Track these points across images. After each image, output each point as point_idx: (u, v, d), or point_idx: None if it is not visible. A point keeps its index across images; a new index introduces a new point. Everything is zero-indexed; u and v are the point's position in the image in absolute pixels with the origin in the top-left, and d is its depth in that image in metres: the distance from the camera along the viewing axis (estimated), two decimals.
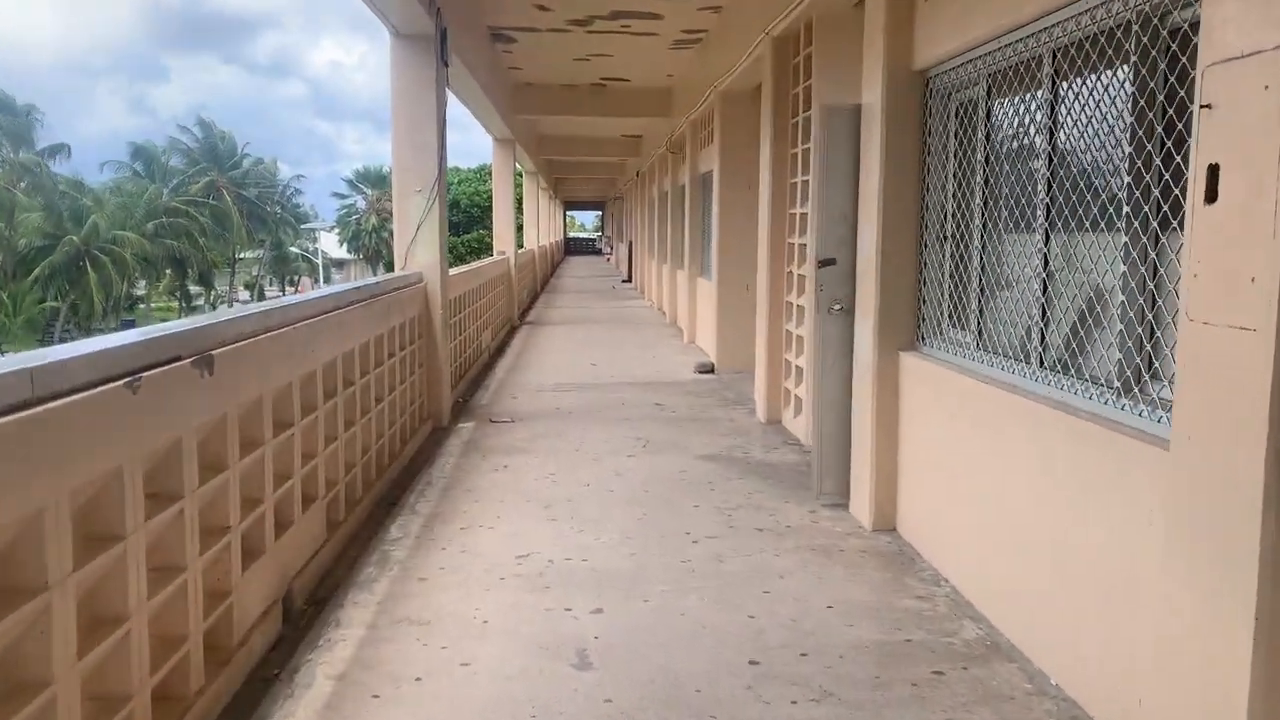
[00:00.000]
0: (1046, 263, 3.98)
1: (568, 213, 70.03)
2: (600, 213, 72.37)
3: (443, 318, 8.47)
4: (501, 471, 6.84)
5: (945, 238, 5.11)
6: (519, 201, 37.82)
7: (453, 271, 10.54)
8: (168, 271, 60.99)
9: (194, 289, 64.89)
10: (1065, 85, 3.86)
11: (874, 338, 5.37)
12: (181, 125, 65.04)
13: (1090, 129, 3.68)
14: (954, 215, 5.00)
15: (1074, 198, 3.78)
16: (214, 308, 67.88)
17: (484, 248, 53.73)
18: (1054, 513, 3.68)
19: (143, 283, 61.15)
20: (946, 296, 5.08)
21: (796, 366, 8.19)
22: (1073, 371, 3.77)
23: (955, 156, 4.98)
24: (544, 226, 34.15)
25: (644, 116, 17.68)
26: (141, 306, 63.48)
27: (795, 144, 8.20)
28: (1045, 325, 4.00)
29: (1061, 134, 3.89)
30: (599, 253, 67.36)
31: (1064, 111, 3.88)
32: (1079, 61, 3.74)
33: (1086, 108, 3.72)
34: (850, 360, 5.80)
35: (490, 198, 32.43)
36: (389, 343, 6.93)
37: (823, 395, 5.94)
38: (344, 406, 5.51)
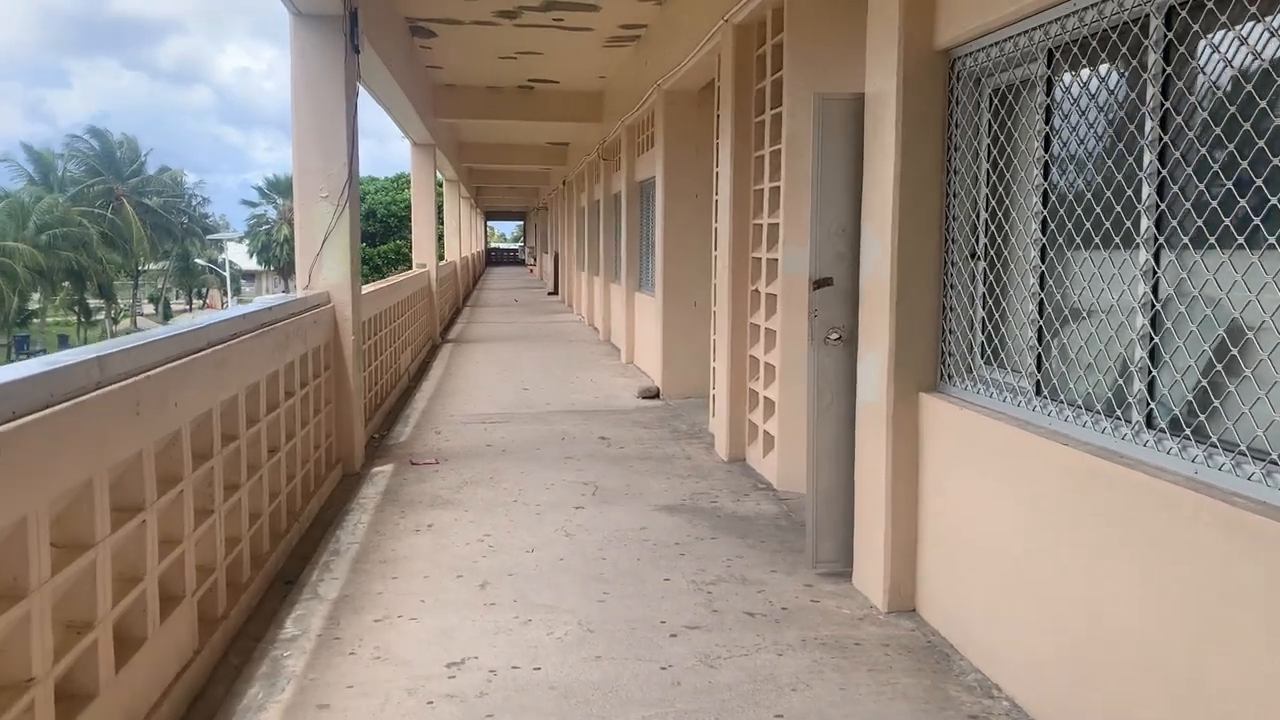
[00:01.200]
0: (1156, 288, 3.03)
1: (488, 222, 68.56)
2: (522, 222, 70.94)
3: (355, 344, 7.28)
4: (425, 533, 5.69)
5: (976, 254, 4.16)
6: (440, 210, 36.50)
7: (367, 289, 9.34)
8: (65, 284, 57.79)
9: (94, 303, 61.72)
10: (1184, 48, 2.92)
11: (887, 374, 4.38)
12: (72, 134, 61.78)
13: (1224, 103, 2.74)
14: (988, 227, 4.05)
15: (1201, 201, 2.84)
16: (116, 322, 64.73)
17: (402, 259, 51.93)
18: (1168, 627, 2.72)
19: (36, 296, 57.85)
20: (979, 326, 4.12)
21: (766, 398, 7.20)
22: (1190, 434, 2.83)
23: (989, 155, 4.03)
24: (466, 236, 32.82)
25: (574, 121, 16.63)
26: (36, 321, 60.11)
27: (761, 145, 7.22)
28: (1155, 370, 3.05)
29: (1179, 118, 2.95)
30: (521, 263, 66.06)
31: (1184, 83, 2.94)
32: (1201, 18, 2.81)
33: (1213, 75, 2.78)
34: (852, 400, 4.82)
35: (408, 206, 30.96)
36: (288, 379, 5.74)
37: (818, 442, 4.94)
38: (225, 468, 4.32)
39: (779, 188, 6.77)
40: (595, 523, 5.85)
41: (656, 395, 10.62)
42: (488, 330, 18.96)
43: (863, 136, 4.66)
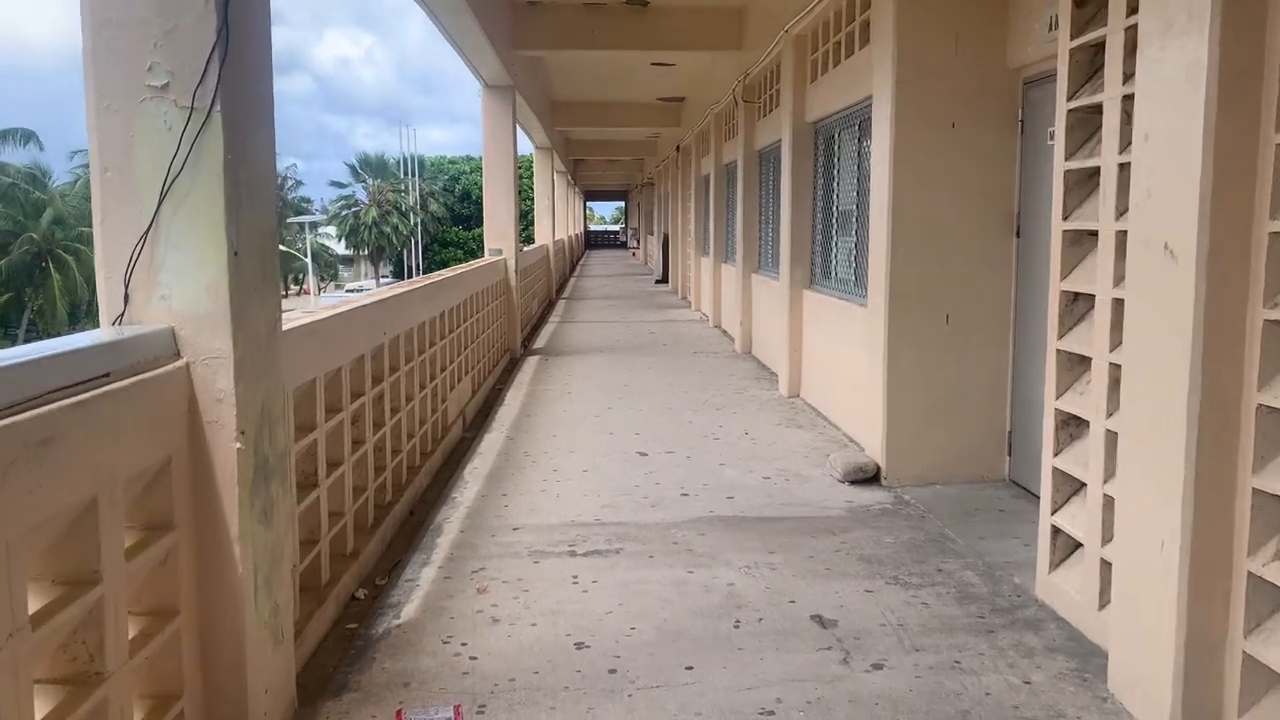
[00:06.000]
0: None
1: (587, 203, 64.63)
2: (623, 203, 66.73)
3: (250, 464, 2.97)
4: None
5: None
6: (527, 183, 32.06)
7: (356, 301, 5.08)
8: None
9: None
10: None
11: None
12: None
13: None
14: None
15: None
16: None
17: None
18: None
19: None
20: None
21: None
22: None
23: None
24: (561, 216, 28.66)
25: (702, 50, 12.15)
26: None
27: None
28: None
29: None
30: (623, 245, 61.86)
31: None
32: None
33: None
34: None
35: None
36: None
37: None
38: None
39: None
40: None
41: (876, 478, 6.09)
42: (585, 335, 14.62)
43: None
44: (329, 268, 70.59)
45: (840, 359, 7.55)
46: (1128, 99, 3.46)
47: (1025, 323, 5.82)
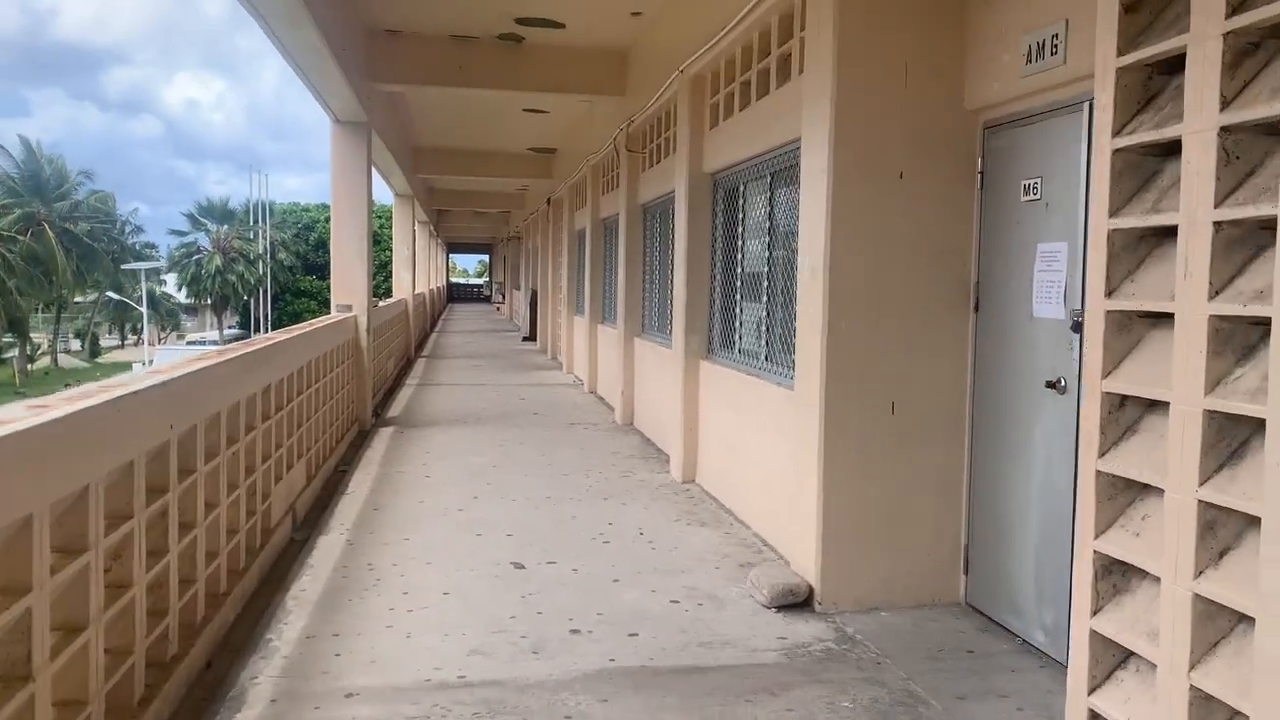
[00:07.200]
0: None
1: (449, 254, 62.85)
2: (488, 256, 65.19)
3: None
4: None
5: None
6: (383, 230, 30.10)
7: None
8: None
9: (7, 338, 54.83)
10: None
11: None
12: None
13: None
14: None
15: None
16: (32, 360, 57.60)
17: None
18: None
19: None
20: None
21: None
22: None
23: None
24: (423, 268, 27.10)
25: (581, 93, 11.12)
26: None
27: None
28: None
29: None
30: (486, 299, 60.21)
31: None
32: None
33: None
34: None
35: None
36: None
37: None
38: None
39: None
40: None
41: (809, 602, 4.95)
42: (448, 401, 13.16)
43: None
44: (170, 316, 66.13)
45: (748, 445, 6.44)
46: (1229, 131, 2.48)
47: (983, 415, 4.84)
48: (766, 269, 6.40)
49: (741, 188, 7.02)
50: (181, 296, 61.68)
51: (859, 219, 4.82)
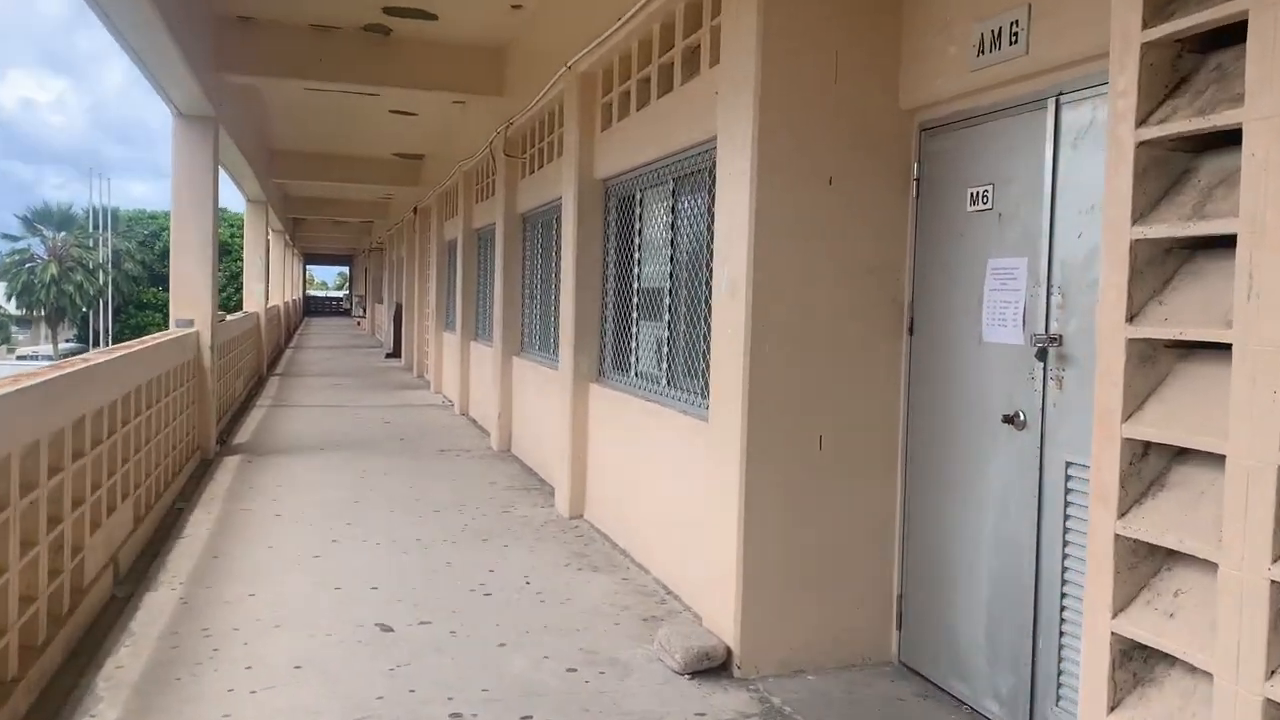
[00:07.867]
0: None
1: (307, 266, 60.26)
2: (348, 268, 62.80)
3: None
4: None
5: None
6: (233, 239, 28.29)
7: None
8: None
9: None
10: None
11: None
12: None
13: None
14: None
15: None
16: None
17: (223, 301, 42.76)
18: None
19: None
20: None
21: None
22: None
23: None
24: (278, 279, 25.53)
25: (456, 91, 10.28)
26: None
27: None
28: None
29: None
30: (347, 313, 57.89)
31: None
32: None
33: None
34: None
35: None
36: None
37: None
38: None
39: None
40: None
41: (726, 665, 4.32)
42: (303, 425, 12.05)
43: None
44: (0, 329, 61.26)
45: (647, 480, 5.79)
46: None
47: (922, 450, 4.32)
48: (669, 284, 5.77)
49: (639, 195, 6.38)
50: (12, 308, 57.16)
51: (786, 229, 4.24)
